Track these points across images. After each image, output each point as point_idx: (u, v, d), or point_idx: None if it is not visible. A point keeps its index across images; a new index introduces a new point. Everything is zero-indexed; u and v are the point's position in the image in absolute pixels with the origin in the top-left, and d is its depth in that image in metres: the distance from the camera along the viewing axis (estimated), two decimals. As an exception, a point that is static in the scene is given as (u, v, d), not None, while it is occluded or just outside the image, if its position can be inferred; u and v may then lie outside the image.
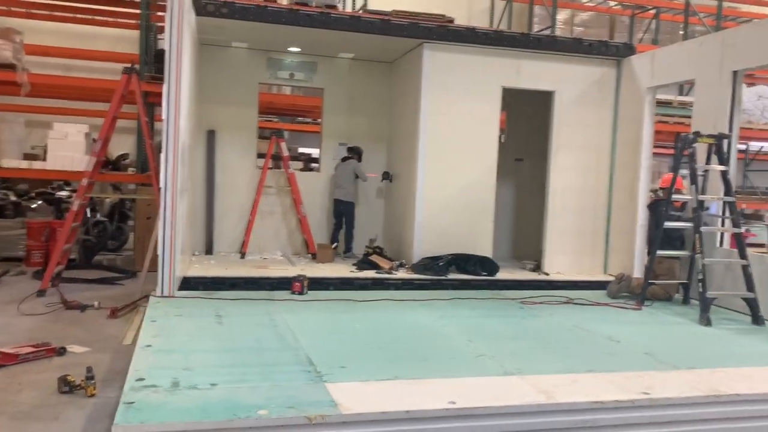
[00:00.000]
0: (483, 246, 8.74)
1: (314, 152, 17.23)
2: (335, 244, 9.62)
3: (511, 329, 5.89)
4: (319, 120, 16.81)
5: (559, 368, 4.58)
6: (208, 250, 9.53)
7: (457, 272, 8.35)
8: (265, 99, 12.66)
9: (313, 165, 13.57)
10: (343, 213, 9.73)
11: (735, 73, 7.12)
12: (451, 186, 8.70)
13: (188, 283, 7.16)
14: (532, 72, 8.81)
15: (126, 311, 7.71)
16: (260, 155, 10.26)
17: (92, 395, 4.93)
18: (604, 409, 3.92)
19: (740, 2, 15.46)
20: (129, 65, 8.77)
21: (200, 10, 7.70)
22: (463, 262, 8.45)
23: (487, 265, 8.48)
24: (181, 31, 6.24)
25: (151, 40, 11.26)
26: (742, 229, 6.97)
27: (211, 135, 9.54)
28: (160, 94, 10.66)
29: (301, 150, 15.78)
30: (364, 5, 12.22)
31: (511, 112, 10.21)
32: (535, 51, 8.77)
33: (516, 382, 4.23)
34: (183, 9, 6.28)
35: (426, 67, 8.55)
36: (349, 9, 13.04)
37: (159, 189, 8.24)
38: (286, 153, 9.76)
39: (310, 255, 9.54)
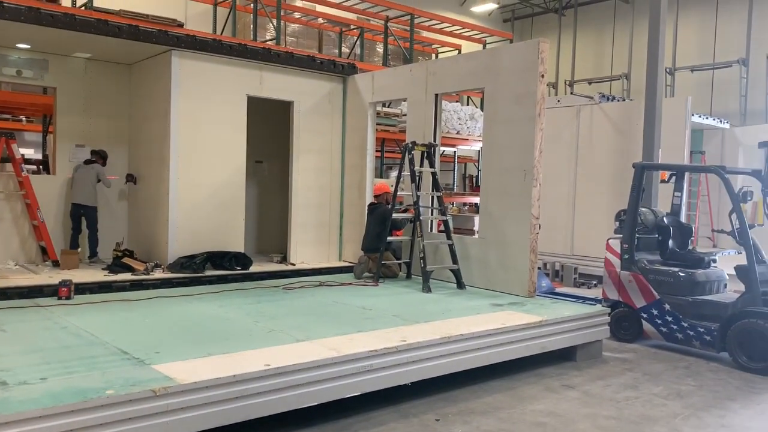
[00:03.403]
0: (236, 242, 9.48)
1: (23, 153, 15.80)
2: (78, 250, 9.38)
3: (285, 309, 6.84)
4: (24, 118, 15.64)
5: (336, 332, 5.69)
6: (-76, 264, 8.53)
7: (214, 269, 8.93)
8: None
9: (27, 166, 12.58)
10: (84, 217, 9.52)
11: (437, 95, 9.08)
12: (204, 187, 9.24)
13: None
14: (274, 83, 9.80)
15: None
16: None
17: None
18: (377, 355, 5.14)
19: (425, 29, 18.50)
20: None
21: None
22: (218, 258, 9.06)
23: (241, 259, 9.22)
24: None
25: None
26: (448, 218, 8.95)
27: None
28: None
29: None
30: (90, 2, 11.79)
31: (250, 118, 11.06)
32: (275, 64, 9.79)
33: (309, 345, 5.22)
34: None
35: (175, 73, 8.94)
36: (67, 3, 12.42)
37: None
38: (18, 155, 9.17)
39: (50, 262, 9.16)
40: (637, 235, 8.01)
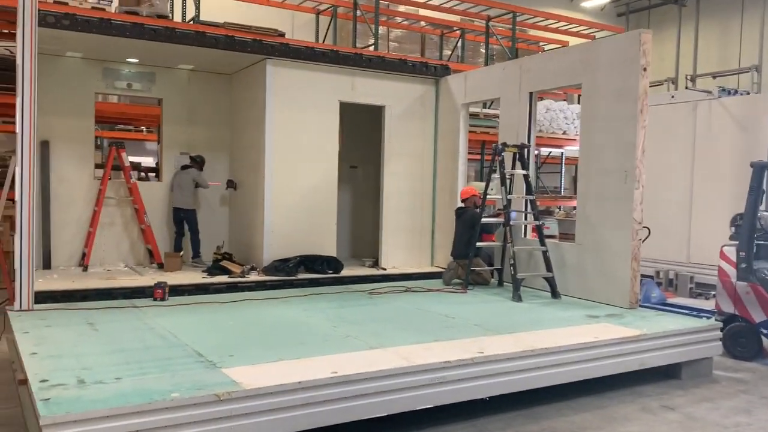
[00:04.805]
0: (328, 246, 9.54)
1: (140, 160, 16.89)
2: (181, 252, 9.82)
3: (366, 314, 6.77)
4: (145, 128, 16.68)
5: (412, 340, 5.52)
6: (46, 265, 9.25)
7: (306, 272, 9.04)
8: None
9: (149, 174, 13.41)
10: (185, 220, 9.95)
11: (531, 93, 8.68)
12: (297, 192, 9.39)
13: (37, 297, 6.97)
14: (365, 88, 9.79)
15: (-34, 332, 7.40)
16: (97, 166, 10.14)
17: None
18: (451, 367, 4.91)
19: (529, 27, 17.92)
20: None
21: (40, 21, 7.54)
22: (310, 262, 9.16)
23: (332, 263, 9.27)
24: (33, 44, 6.25)
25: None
26: (542, 222, 8.51)
27: (45, 146, 9.26)
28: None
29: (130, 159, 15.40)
30: (196, 16, 12.39)
31: (344, 123, 11.14)
32: (367, 69, 9.78)
33: (381, 353, 5.08)
34: (35, 22, 6.30)
35: (269, 81, 9.15)
36: (178, 19, 13.12)
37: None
38: (127, 163, 9.76)
39: (156, 264, 9.65)
40: (756, 242, 7.21)
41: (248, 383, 4.20)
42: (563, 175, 19.57)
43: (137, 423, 3.73)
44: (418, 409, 4.77)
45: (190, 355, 4.92)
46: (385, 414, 4.62)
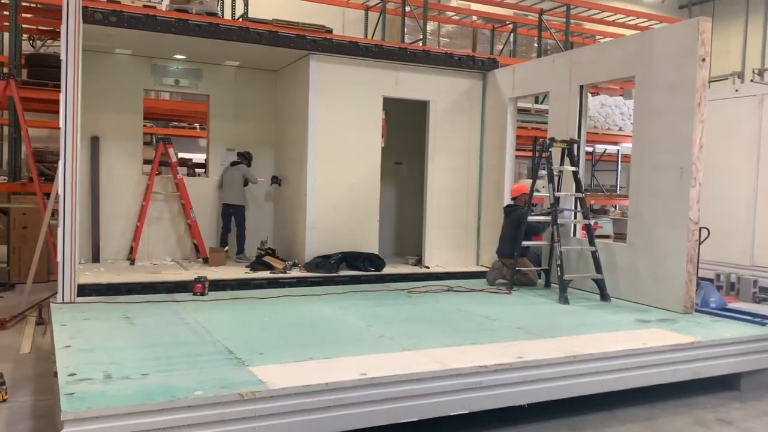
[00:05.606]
0: (370, 243, 9.40)
1: (192, 157, 17.17)
2: (226, 248, 9.87)
3: (403, 314, 6.59)
4: (198, 125, 16.93)
5: (448, 343, 5.31)
6: (95, 258, 9.44)
7: (348, 269, 8.91)
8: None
9: (197, 170, 13.59)
10: (233, 216, 9.99)
11: (582, 87, 8.31)
12: (339, 188, 9.28)
13: (83, 290, 7.10)
14: (409, 83, 9.60)
15: (15, 322, 7.60)
16: (146, 161, 10.28)
17: (4, 400, 5.03)
18: (487, 372, 4.67)
19: (584, 20, 17.35)
20: (6, 71, 8.55)
21: (87, 18, 7.70)
22: (352, 259, 9.05)
23: (374, 261, 9.13)
24: (78, 40, 6.33)
25: (19, 43, 10.91)
26: (592, 221, 8.14)
27: (95, 142, 9.45)
28: (33, 100, 10.56)
29: (180, 155, 15.65)
30: (245, 14, 12.46)
31: (390, 119, 10.99)
32: (411, 64, 9.59)
33: (414, 355, 4.90)
34: (79, 18, 6.38)
35: (313, 77, 9.07)
36: (228, 16, 13.23)
37: (43, 197, 8.21)
38: (174, 159, 9.87)
39: (201, 259, 9.73)
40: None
41: (274, 383, 4.09)
42: (619, 172, 18.91)
43: (158, 421, 3.67)
44: (452, 415, 4.57)
45: (220, 352, 4.86)
46: (416, 419, 4.44)
